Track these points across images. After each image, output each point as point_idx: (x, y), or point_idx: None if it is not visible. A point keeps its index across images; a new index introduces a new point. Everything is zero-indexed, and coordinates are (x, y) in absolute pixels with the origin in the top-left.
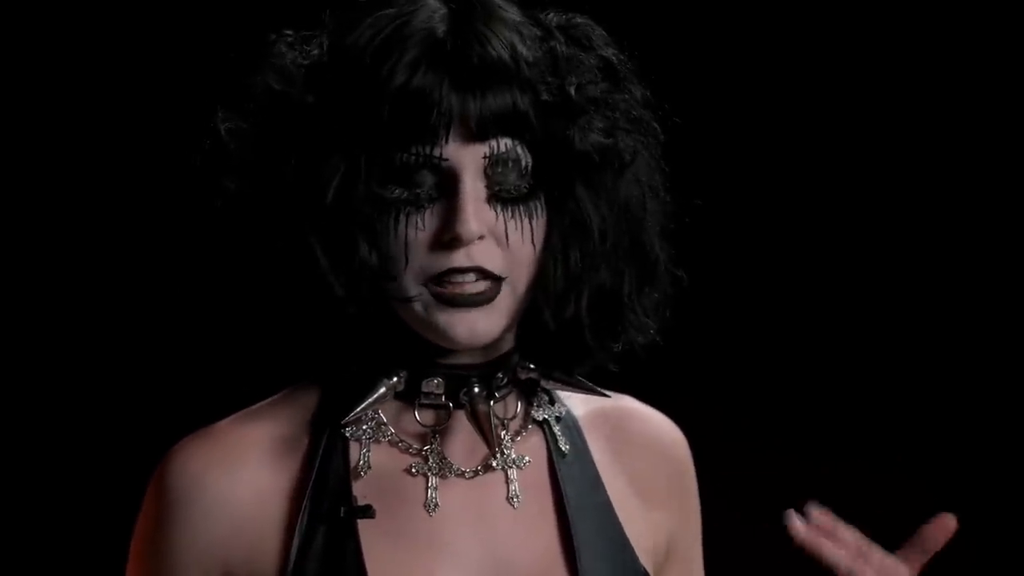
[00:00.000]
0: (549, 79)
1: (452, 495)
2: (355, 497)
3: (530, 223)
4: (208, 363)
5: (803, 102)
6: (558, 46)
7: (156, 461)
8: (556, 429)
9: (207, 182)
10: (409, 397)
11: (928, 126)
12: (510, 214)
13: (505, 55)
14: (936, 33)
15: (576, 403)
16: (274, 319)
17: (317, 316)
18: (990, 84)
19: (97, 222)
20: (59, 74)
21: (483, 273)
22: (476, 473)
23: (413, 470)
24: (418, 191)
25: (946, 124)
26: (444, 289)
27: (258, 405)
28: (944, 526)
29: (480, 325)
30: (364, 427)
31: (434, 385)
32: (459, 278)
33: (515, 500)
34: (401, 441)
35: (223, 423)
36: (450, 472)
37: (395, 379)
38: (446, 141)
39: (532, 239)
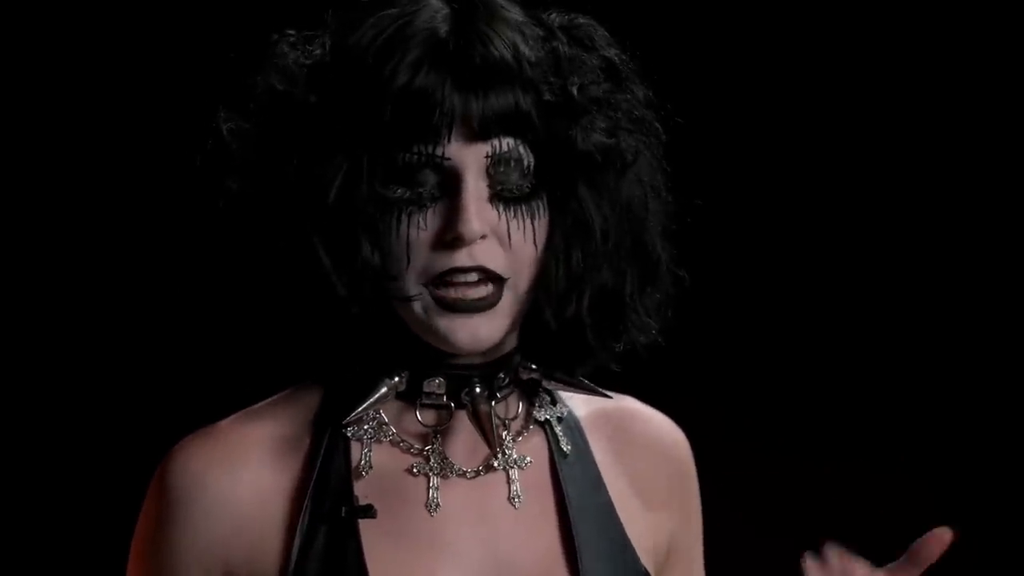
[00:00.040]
0: (551, 79)
1: (453, 495)
2: (356, 497)
3: (532, 223)
4: (210, 362)
5: (804, 102)
6: (560, 46)
7: (157, 460)
8: (558, 429)
9: (210, 182)
10: (411, 397)
11: (928, 126)
12: (512, 214)
13: (507, 55)
14: (936, 33)
15: (578, 403)
16: (276, 319)
17: (319, 316)
18: (990, 84)
19: (100, 222)
20: (61, 74)
21: (485, 272)
22: (477, 473)
23: (414, 470)
24: (420, 191)
25: (946, 124)
26: (446, 294)
27: (259, 405)
28: (940, 539)
29: (483, 331)
30: (366, 427)
31: (435, 385)
32: (461, 278)
33: (516, 500)
34: (403, 441)
35: (224, 422)
36: (451, 472)
37: (396, 379)
38: (448, 141)
39: (534, 239)
